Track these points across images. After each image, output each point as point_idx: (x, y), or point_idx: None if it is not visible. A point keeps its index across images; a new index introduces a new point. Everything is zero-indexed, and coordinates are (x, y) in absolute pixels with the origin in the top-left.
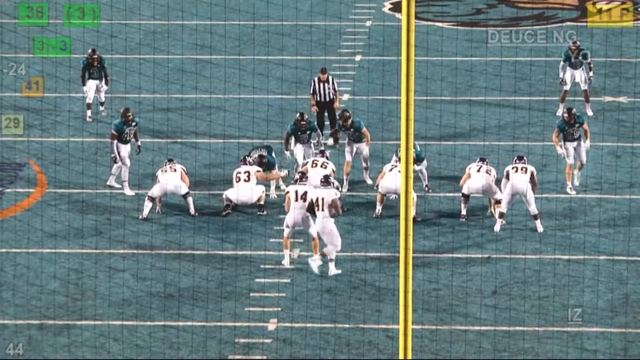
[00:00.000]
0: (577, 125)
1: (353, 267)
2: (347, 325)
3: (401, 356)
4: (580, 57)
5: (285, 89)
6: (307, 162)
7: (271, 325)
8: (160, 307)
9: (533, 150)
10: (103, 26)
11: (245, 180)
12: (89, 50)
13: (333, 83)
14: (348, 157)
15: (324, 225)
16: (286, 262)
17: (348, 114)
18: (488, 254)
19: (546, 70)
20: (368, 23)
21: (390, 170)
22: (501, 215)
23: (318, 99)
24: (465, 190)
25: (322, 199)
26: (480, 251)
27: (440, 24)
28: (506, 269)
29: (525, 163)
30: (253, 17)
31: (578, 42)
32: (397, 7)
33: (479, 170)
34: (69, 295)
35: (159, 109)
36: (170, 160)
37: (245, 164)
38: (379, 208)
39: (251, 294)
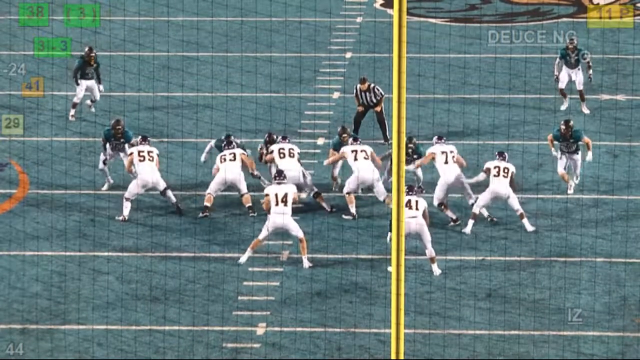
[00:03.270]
0: (572, 140)
1: (344, 269)
2: (338, 329)
3: None
4: (578, 57)
5: (274, 87)
6: (272, 151)
7: (260, 330)
8: (146, 311)
9: (528, 149)
10: (87, 22)
11: (230, 160)
12: (86, 49)
13: (374, 91)
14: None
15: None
16: (242, 260)
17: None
18: (482, 255)
19: (541, 67)
20: (359, 19)
21: (355, 159)
22: (474, 216)
23: (362, 102)
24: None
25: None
26: (474, 253)
27: (432, 20)
28: (501, 271)
29: (505, 159)
30: (241, 12)
31: (575, 41)
32: (388, 3)
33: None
34: (51, 299)
35: (144, 107)
36: (144, 139)
37: (230, 146)
38: (353, 210)
39: (239, 297)
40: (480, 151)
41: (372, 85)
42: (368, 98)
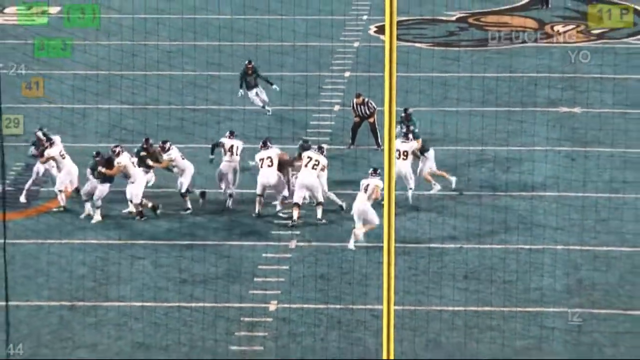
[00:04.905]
0: (407, 125)
1: (343, 255)
2: (338, 306)
3: (384, 333)
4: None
5: (284, 101)
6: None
7: (272, 306)
8: (176, 290)
9: (499, 154)
10: (126, 46)
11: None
12: (246, 62)
13: (368, 105)
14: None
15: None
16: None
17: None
18: (460, 244)
19: (510, 84)
20: (356, 44)
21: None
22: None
23: (358, 114)
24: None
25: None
26: (453, 242)
27: (418, 45)
28: (476, 257)
29: (407, 138)
30: (256, 38)
31: (410, 111)
32: (381, 30)
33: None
34: (96, 280)
35: (174, 118)
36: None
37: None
38: (258, 208)
39: (255, 279)
40: (457, 155)
41: (366, 99)
42: (363, 110)
